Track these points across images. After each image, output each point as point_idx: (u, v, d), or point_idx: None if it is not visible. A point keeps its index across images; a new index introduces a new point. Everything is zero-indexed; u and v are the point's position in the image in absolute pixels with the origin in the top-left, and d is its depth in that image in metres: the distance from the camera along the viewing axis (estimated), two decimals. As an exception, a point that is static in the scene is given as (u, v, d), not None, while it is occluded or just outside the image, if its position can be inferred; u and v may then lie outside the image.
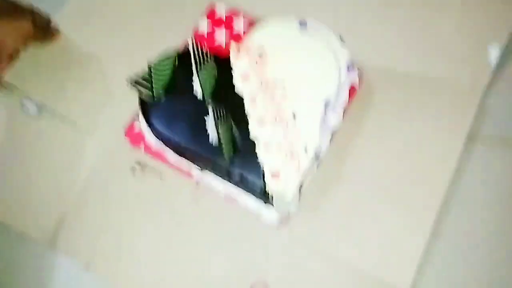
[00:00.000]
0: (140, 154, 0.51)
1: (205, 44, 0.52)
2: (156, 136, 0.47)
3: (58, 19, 0.56)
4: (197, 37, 0.55)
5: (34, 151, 0.53)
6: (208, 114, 0.45)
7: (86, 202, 0.50)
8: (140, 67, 0.48)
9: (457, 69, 0.53)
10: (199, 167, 0.48)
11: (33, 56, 0.54)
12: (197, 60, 0.46)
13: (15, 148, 0.53)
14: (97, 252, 0.49)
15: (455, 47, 0.53)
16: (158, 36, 0.56)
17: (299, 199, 0.47)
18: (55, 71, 0.54)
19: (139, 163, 0.50)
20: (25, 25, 0.48)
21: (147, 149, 0.51)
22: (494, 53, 0.52)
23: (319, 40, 0.48)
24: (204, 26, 0.55)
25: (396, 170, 0.50)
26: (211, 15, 0.56)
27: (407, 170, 0.50)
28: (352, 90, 0.52)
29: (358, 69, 0.52)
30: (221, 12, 0.56)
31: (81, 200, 0.51)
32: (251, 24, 0.55)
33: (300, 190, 0.46)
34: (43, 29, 0.52)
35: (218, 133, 0.43)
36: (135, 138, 0.51)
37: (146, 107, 0.47)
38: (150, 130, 0.47)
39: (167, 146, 0.48)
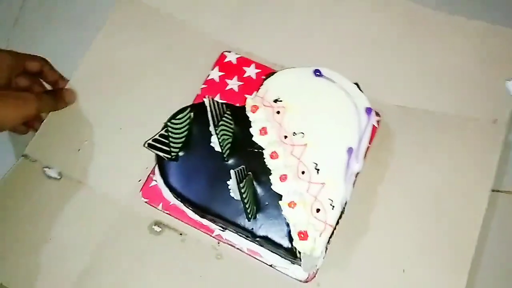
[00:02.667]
0: (158, 213, 0.49)
1: (219, 96, 0.52)
2: (175, 196, 0.46)
3: (72, 82, 0.55)
4: (209, 84, 0.54)
5: (52, 212, 0.51)
6: (227, 170, 0.44)
7: (100, 264, 0.48)
8: (154, 125, 0.47)
9: (477, 106, 0.51)
10: (221, 227, 0.46)
11: (50, 123, 0.54)
12: (214, 116, 0.44)
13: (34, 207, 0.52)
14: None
15: (473, 83, 0.52)
16: (171, 91, 0.54)
17: (326, 252, 0.46)
18: (70, 135, 0.53)
19: (158, 223, 0.49)
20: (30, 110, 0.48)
21: (166, 207, 0.49)
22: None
23: (336, 88, 0.47)
24: (215, 74, 0.54)
25: (422, 218, 0.48)
26: (221, 62, 0.55)
27: (433, 219, 0.47)
28: (372, 131, 0.51)
29: (376, 111, 0.51)
30: (232, 59, 0.55)
31: (95, 261, 0.49)
32: (263, 71, 0.54)
33: (328, 244, 0.45)
34: (53, 99, 0.52)
35: (240, 191, 0.42)
36: (153, 197, 0.50)
37: (163, 166, 0.46)
38: (168, 190, 0.46)
39: (186, 205, 0.46)
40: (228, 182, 0.44)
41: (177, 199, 0.46)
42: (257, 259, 0.47)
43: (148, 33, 0.58)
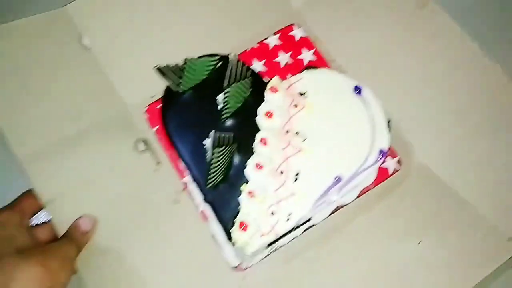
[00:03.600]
0: (149, 133, 0.50)
1: (264, 61, 0.50)
2: (164, 126, 0.47)
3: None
4: (261, 46, 0.52)
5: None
6: (219, 130, 0.43)
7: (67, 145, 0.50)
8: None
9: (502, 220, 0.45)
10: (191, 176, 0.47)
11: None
12: (232, 75, 0.43)
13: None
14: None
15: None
16: (223, 34, 0.52)
17: (266, 255, 0.45)
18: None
19: (145, 141, 0.50)
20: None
21: (159, 132, 0.50)
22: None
23: (364, 114, 0.43)
24: (273, 40, 0.52)
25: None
26: (285, 32, 0.53)
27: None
28: (382, 174, 0.47)
29: (399, 159, 0.47)
30: (297, 34, 0.53)
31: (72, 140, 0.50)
32: (318, 60, 0.51)
33: (270, 249, 0.44)
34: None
35: (212, 154, 0.41)
36: (154, 117, 0.50)
37: (169, 98, 0.46)
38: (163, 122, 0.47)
39: (168, 138, 0.46)
40: (204, 141, 0.43)
41: (164, 128, 0.46)
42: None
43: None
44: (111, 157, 0.51)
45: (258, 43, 0.53)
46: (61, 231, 0.47)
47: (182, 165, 0.48)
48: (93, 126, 0.51)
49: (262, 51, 0.52)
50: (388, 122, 0.44)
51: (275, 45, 0.52)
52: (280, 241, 0.44)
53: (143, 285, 0.45)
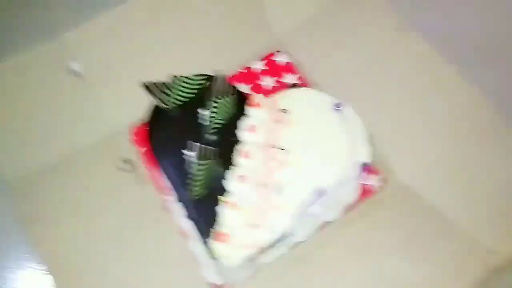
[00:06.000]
0: (135, 155, 0.51)
1: (251, 86, 0.52)
2: (150, 145, 0.47)
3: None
4: (248, 71, 0.54)
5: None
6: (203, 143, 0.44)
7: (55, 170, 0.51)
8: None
9: (493, 234, 0.45)
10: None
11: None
12: (216, 91, 0.44)
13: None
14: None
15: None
16: (213, 59, 0.53)
17: (250, 273, 0.44)
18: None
19: (130, 162, 0.50)
20: None
21: (146, 153, 0.51)
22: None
23: (345, 128, 0.44)
24: (259, 65, 0.54)
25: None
26: (270, 57, 0.55)
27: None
28: (365, 191, 0.48)
29: (381, 174, 0.47)
30: (281, 60, 0.55)
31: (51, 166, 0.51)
32: (302, 85, 0.53)
33: (253, 264, 0.43)
34: None
35: (196, 166, 0.41)
36: (142, 139, 0.51)
37: (155, 115, 0.47)
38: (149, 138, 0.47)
39: (156, 161, 0.47)
40: (188, 152, 0.43)
41: (150, 145, 0.47)
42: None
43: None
44: (98, 180, 0.51)
45: (244, 68, 0.55)
46: (42, 252, 0.47)
47: (166, 183, 0.48)
48: (81, 150, 0.52)
49: (248, 75, 0.54)
50: (368, 136, 0.45)
51: (260, 70, 0.54)
52: (264, 257, 0.44)
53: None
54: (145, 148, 0.50)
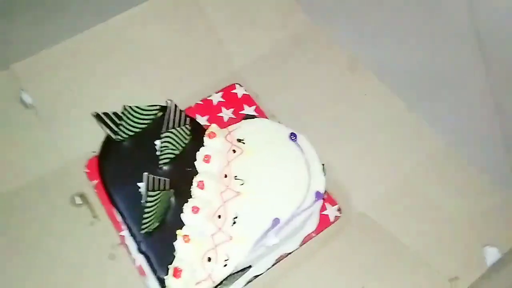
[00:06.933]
0: (88, 188, 0.49)
1: (207, 117, 0.52)
2: (101, 178, 0.46)
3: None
4: (205, 103, 0.54)
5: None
6: (157, 175, 0.42)
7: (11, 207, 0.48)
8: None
9: (450, 259, 0.46)
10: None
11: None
12: (170, 121, 0.44)
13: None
14: None
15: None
16: (172, 90, 0.54)
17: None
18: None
19: (82, 195, 0.49)
20: None
21: (98, 186, 0.49)
22: (490, 257, 0.44)
23: (300, 158, 0.44)
24: (216, 98, 0.54)
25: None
26: (228, 90, 0.55)
27: None
28: (324, 221, 0.47)
29: (339, 207, 0.48)
30: (239, 92, 0.55)
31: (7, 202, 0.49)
32: (260, 116, 0.53)
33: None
34: None
35: (146, 198, 0.40)
36: (94, 172, 0.49)
37: (107, 147, 0.46)
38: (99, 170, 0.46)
39: (107, 193, 0.45)
40: (141, 184, 0.42)
41: (100, 177, 0.45)
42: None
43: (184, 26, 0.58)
44: (48, 213, 0.49)
45: (202, 100, 0.55)
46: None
47: (119, 217, 0.46)
48: (32, 182, 0.50)
49: (206, 107, 0.54)
50: (323, 166, 0.45)
51: (218, 102, 0.54)
52: (221, 292, 0.42)
53: None
54: (97, 181, 0.49)
